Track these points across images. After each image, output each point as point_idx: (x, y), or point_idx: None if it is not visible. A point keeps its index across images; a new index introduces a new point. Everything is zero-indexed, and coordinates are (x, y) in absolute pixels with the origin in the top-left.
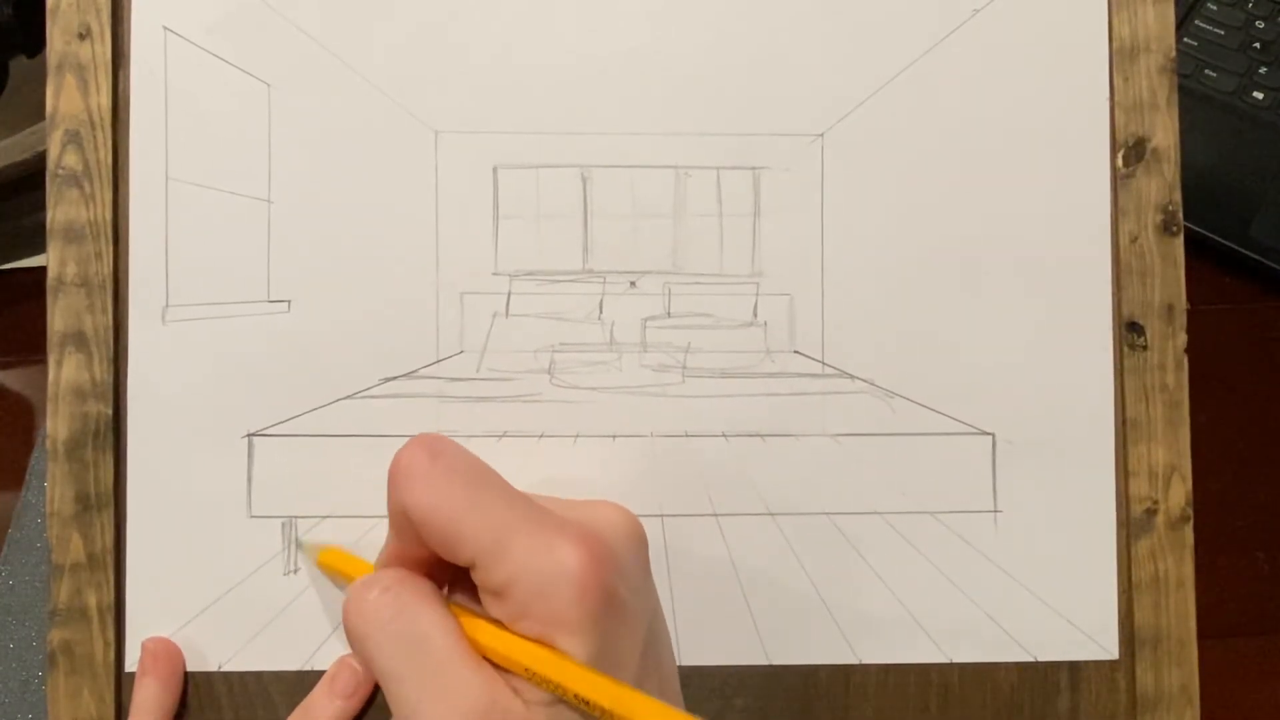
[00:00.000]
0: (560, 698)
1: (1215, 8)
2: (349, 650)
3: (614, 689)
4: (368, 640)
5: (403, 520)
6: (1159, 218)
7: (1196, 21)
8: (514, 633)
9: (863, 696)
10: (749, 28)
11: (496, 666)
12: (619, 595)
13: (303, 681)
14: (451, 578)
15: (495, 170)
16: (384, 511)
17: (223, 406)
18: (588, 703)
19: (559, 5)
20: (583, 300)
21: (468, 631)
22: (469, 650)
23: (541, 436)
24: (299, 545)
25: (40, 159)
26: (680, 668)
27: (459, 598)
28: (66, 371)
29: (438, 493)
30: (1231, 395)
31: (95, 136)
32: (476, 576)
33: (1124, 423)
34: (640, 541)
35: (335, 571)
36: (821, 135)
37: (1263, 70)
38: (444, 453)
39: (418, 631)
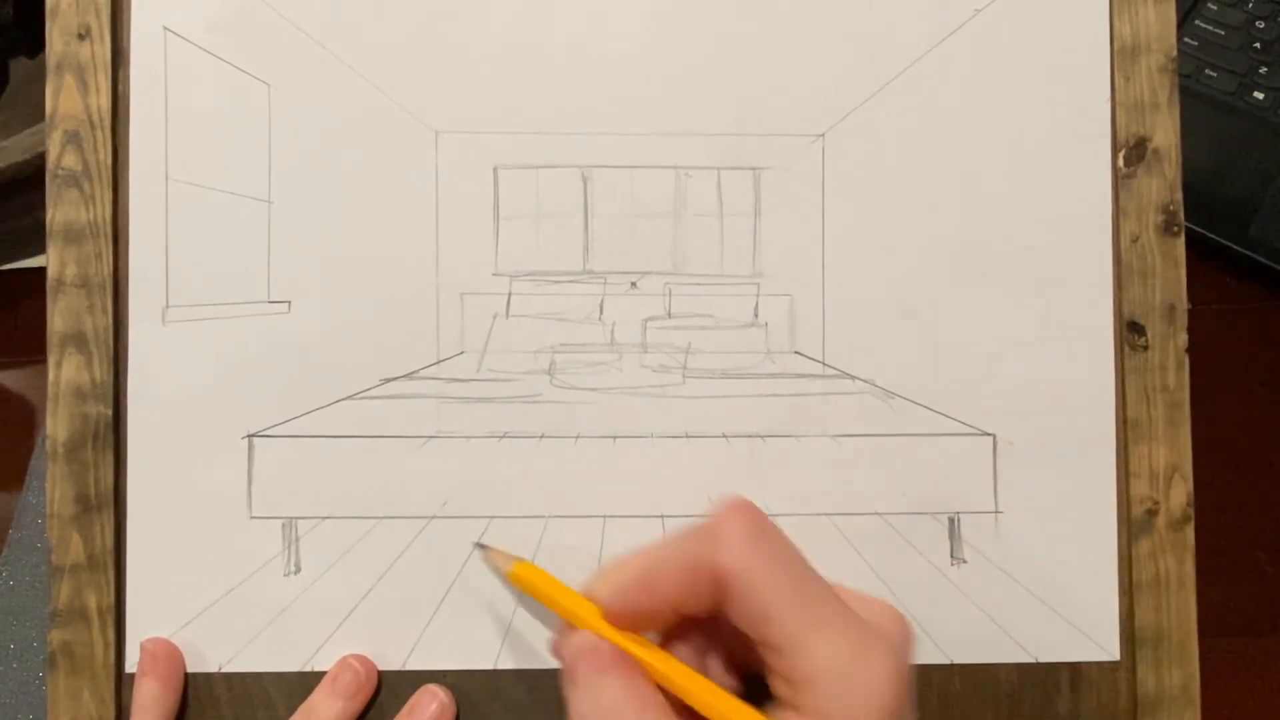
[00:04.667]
0: None
1: (1215, 8)
2: (350, 651)
3: None
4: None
5: (703, 577)
6: (1160, 218)
7: (1196, 21)
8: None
9: None
10: (749, 28)
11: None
12: (909, 713)
13: (303, 682)
14: (678, 632)
15: (495, 170)
16: (384, 512)
17: (223, 407)
18: None
19: (559, 5)
20: (583, 301)
21: (693, 691)
22: None
23: (541, 437)
24: (479, 547)
25: (40, 159)
26: None
27: (681, 649)
28: (66, 372)
29: (767, 567)
30: (1232, 395)
31: (95, 137)
32: (774, 660)
33: (1125, 423)
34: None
35: (530, 588)
36: (821, 135)
37: (1263, 70)
38: (768, 531)
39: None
